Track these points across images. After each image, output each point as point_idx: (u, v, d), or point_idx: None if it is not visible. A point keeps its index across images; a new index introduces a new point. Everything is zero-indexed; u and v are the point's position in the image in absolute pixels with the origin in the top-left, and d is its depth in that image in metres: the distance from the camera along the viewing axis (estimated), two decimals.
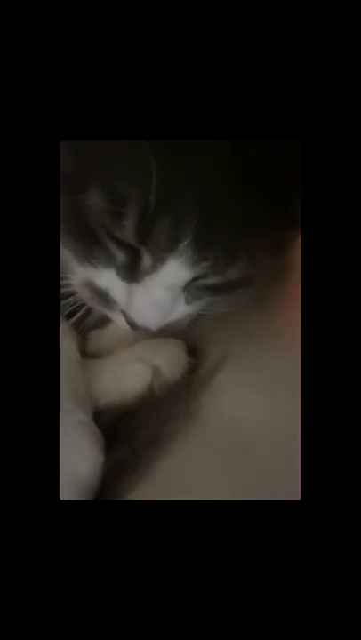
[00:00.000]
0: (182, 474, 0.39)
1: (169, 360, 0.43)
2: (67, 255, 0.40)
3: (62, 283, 0.41)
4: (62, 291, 0.41)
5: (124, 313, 0.38)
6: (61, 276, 0.41)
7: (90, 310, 0.42)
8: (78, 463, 0.39)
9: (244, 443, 0.40)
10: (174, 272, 0.36)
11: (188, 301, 0.41)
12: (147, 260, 0.36)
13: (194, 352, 0.49)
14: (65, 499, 0.36)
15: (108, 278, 0.37)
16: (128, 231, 0.35)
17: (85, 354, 0.46)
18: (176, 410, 0.39)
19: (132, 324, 0.37)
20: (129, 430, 0.42)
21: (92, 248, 0.36)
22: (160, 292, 0.36)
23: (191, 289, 0.40)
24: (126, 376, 0.44)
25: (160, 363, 0.43)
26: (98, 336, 0.47)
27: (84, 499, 0.38)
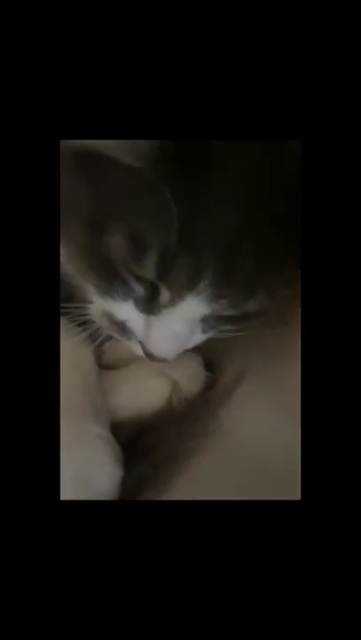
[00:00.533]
0: (200, 490, 0.39)
1: (187, 374, 0.43)
2: (87, 287, 0.41)
3: (81, 312, 0.42)
4: (81, 319, 0.42)
5: (141, 344, 0.38)
6: (80, 305, 0.42)
7: (109, 336, 0.43)
8: (98, 478, 0.39)
9: (261, 459, 0.39)
10: (193, 307, 0.37)
11: (204, 331, 0.42)
12: (165, 296, 0.37)
13: (211, 366, 0.49)
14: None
15: (126, 310, 0.38)
16: (148, 270, 0.36)
17: (101, 365, 0.46)
18: (195, 426, 0.39)
19: (149, 354, 0.38)
20: (148, 445, 0.42)
21: (112, 282, 0.37)
22: (178, 326, 0.37)
23: (208, 320, 0.41)
24: (145, 390, 0.45)
25: (179, 377, 0.43)
26: (113, 348, 0.47)
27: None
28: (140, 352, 0.39)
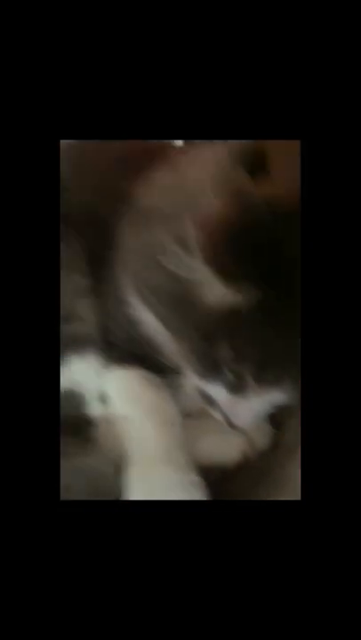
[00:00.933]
0: None
1: (258, 430, 0.47)
2: (186, 366, 0.45)
3: (176, 382, 0.48)
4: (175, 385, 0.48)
5: (225, 415, 0.43)
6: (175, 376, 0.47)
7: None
8: None
9: None
10: (276, 396, 0.43)
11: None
12: (254, 386, 0.42)
13: (277, 424, 0.52)
14: None
15: (217, 390, 0.43)
16: (245, 372, 0.41)
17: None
18: (266, 478, 0.43)
19: (230, 424, 0.43)
20: (227, 493, 0.46)
21: (211, 371, 0.42)
22: (261, 408, 0.42)
23: None
24: (224, 442, 0.49)
25: (252, 433, 0.48)
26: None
27: None
28: (219, 418, 0.44)
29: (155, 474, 0.43)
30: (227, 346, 0.41)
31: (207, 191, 0.42)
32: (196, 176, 0.46)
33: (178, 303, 0.42)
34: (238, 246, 0.39)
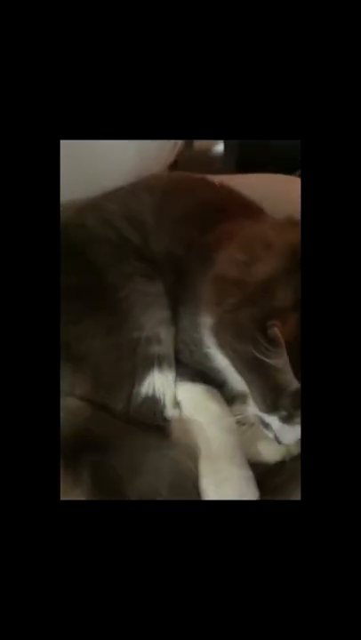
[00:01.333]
0: None
1: (296, 440, 0.54)
2: (250, 400, 0.54)
3: (239, 411, 0.57)
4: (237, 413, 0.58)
5: (276, 436, 0.53)
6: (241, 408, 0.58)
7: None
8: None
9: None
10: None
11: None
12: (298, 418, 0.51)
13: None
14: None
15: (272, 419, 0.52)
16: (295, 413, 0.50)
17: None
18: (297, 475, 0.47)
19: (278, 441, 0.53)
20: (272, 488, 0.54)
21: (273, 410, 0.51)
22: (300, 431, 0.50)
23: None
24: (266, 449, 0.57)
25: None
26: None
27: None
28: (271, 437, 0.54)
29: (221, 467, 0.52)
30: (288, 398, 0.50)
31: None
32: None
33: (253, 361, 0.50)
34: None
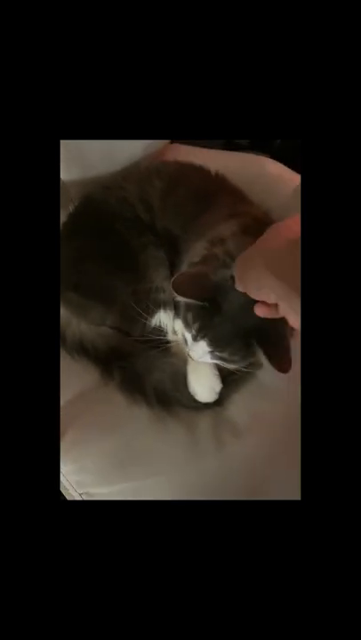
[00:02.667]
0: None
1: (202, 356, 0.71)
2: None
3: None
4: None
5: (188, 352, 0.72)
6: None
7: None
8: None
9: None
10: (205, 346, 0.70)
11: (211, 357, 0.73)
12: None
13: None
14: None
15: (187, 337, 0.70)
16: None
17: None
18: None
19: (190, 356, 0.72)
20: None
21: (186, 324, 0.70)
22: (202, 348, 0.70)
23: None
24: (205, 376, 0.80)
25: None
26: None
27: None
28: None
29: (199, 367, 0.75)
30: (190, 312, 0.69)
31: None
32: None
33: None
34: None
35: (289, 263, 0.45)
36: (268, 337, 0.62)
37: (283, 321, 0.54)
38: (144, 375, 0.76)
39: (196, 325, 0.66)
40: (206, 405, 0.76)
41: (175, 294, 0.64)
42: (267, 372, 0.74)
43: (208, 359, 0.69)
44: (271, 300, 0.50)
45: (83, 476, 0.69)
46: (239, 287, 0.56)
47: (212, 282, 0.64)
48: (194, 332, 0.67)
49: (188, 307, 0.68)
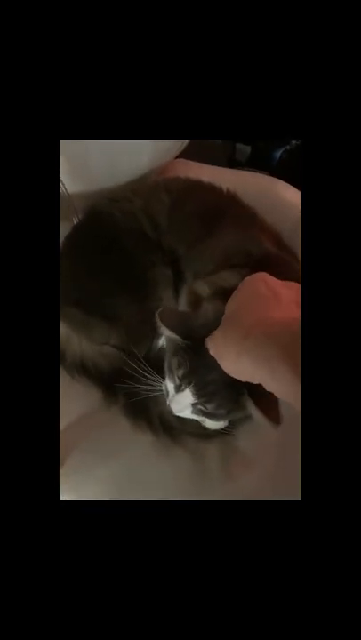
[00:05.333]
0: None
1: (182, 411, 0.70)
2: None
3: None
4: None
5: (168, 403, 0.69)
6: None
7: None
8: None
9: None
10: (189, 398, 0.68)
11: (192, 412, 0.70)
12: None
13: None
14: None
15: (169, 386, 0.68)
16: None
17: None
18: None
19: (169, 408, 0.70)
20: None
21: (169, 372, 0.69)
22: (185, 401, 0.68)
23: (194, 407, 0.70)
24: None
25: None
26: None
27: None
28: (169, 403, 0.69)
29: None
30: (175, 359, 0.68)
31: None
32: None
33: None
34: None
35: (263, 356, 0.46)
36: (256, 388, 0.56)
37: None
38: (148, 399, 0.74)
39: (180, 372, 0.65)
40: (215, 433, 0.73)
41: (159, 324, 0.63)
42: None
43: (188, 414, 0.67)
44: (255, 381, 0.49)
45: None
46: (221, 365, 0.54)
47: (199, 323, 0.63)
48: (177, 379, 0.65)
49: (174, 353, 0.66)
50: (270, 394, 0.54)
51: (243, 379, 0.51)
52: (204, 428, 0.72)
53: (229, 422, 0.73)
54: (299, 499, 0.38)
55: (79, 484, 0.70)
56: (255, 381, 0.48)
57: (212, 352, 0.55)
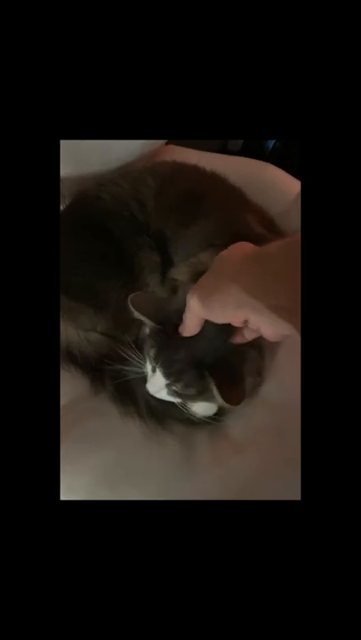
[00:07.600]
0: None
1: (157, 393, 0.74)
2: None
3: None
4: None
5: (147, 384, 0.74)
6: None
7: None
8: None
9: None
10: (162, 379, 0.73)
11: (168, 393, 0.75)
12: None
13: None
14: None
15: (147, 368, 0.72)
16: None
17: None
18: None
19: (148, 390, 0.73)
20: None
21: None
22: (158, 382, 0.72)
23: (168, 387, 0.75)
24: None
25: None
26: None
27: None
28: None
29: None
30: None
31: None
32: None
33: None
34: None
35: (253, 276, 0.48)
36: (221, 367, 0.63)
37: (238, 351, 0.60)
38: (136, 385, 0.77)
39: (152, 352, 0.68)
40: (203, 419, 0.75)
41: (132, 310, 0.66)
42: (269, 385, 0.76)
43: (165, 395, 0.70)
44: (239, 317, 0.51)
45: (71, 497, 0.69)
46: (201, 313, 0.56)
47: (173, 309, 0.66)
48: (151, 360, 0.68)
49: (149, 336, 0.69)
50: (234, 372, 0.62)
51: (228, 317, 0.52)
52: (192, 414, 0.75)
53: (218, 409, 0.76)
54: (298, 497, 0.40)
55: (68, 473, 0.71)
56: (240, 318, 0.50)
57: (190, 295, 0.55)
